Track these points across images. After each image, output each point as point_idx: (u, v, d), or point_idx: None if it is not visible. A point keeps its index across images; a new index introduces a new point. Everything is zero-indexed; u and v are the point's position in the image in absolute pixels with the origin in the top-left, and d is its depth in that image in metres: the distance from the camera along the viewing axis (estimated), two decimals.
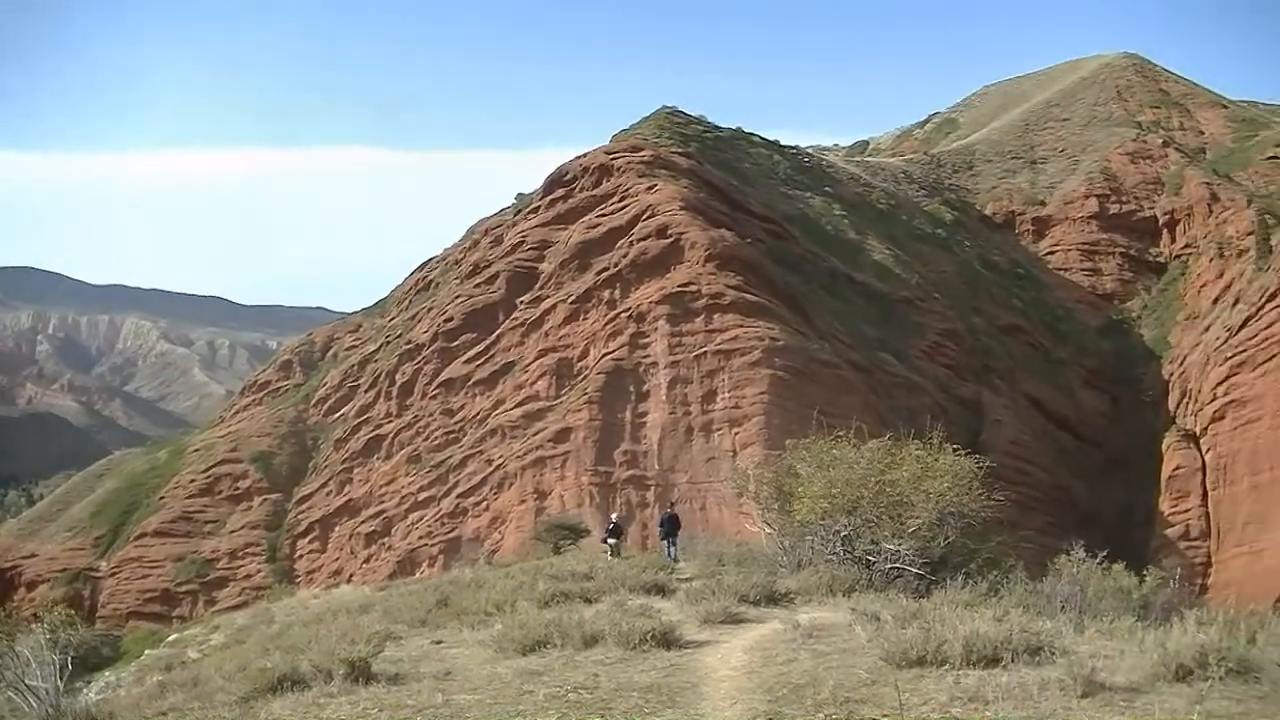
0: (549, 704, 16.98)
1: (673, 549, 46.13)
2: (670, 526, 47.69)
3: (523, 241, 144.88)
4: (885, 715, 14.73)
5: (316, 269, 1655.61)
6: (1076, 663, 15.79)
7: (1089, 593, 25.24)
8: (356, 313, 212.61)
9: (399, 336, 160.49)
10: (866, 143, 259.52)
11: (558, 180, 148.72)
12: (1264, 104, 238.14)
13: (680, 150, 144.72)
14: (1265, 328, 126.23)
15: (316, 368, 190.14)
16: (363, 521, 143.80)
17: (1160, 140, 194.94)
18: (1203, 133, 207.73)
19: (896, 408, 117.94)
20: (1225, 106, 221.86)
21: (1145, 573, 28.00)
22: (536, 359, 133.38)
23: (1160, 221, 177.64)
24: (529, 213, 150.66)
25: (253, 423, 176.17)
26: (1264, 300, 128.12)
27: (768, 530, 36.15)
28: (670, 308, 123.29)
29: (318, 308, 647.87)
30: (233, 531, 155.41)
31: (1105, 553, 27.73)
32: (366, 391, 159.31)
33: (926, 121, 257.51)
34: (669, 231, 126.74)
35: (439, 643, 24.11)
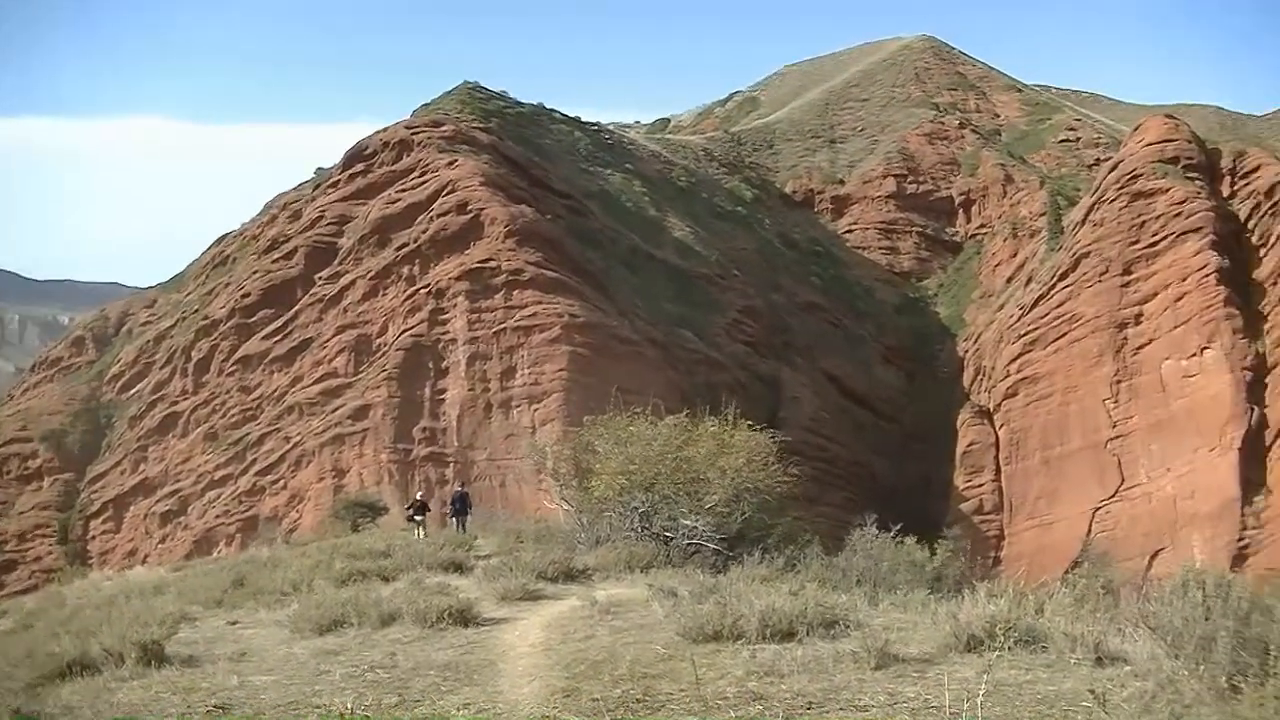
0: (345, 684, 16.61)
1: (463, 528, 45.81)
2: (461, 505, 47.82)
3: (321, 216, 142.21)
4: (682, 690, 14.65)
5: (112, 243, 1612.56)
6: (870, 635, 15.83)
7: (884, 566, 25.46)
8: (152, 288, 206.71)
9: (195, 312, 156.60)
10: (668, 120, 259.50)
11: (357, 155, 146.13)
12: (1057, 88, 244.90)
13: (481, 126, 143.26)
14: (1056, 306, 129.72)
15: (111, 344, 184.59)
16: (158, 501, 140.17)
17: (957, 122, 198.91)
18: (998, 115, 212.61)
19: (697, 384, 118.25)
20: (1020, 90, 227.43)
21: (936, 546, 28.44)
22: (335, 335, 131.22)
23: (956, 202, 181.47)
24: (328, 187, 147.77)
25: (44, 400, 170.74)
26: (1055, 280, 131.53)
27: (566, 507, 36.30)
28: (470, 284, 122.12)
29: (112, 283, 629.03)
30: (21, 513, 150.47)
31: (899, 527, 28.07)
32: (162, 368, 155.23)
33: (728, 100, 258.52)
34: (469, 207, 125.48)
35: (234, 623, 23.61)
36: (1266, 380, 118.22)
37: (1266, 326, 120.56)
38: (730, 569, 25.28)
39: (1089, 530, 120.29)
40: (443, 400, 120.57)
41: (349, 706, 14.74)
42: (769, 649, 16.36)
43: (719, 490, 29.77)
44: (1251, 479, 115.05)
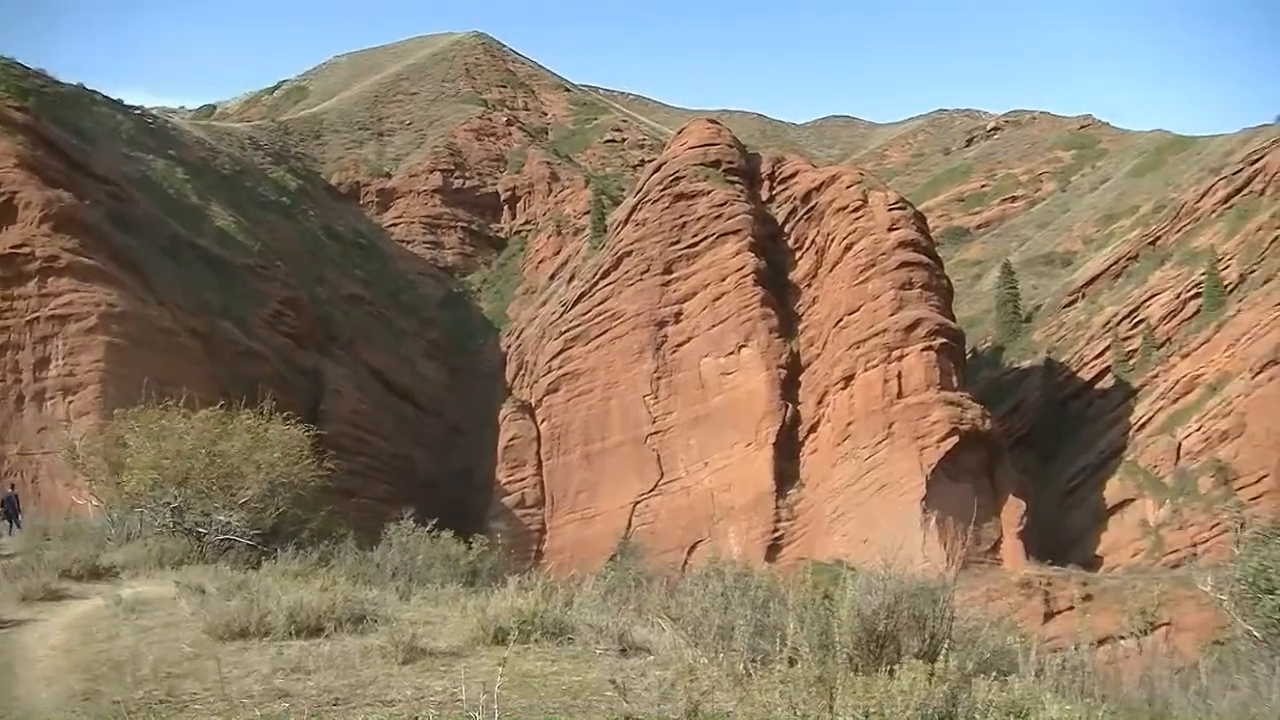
0: None
1: (15, 529, 44.25)
2: (10, 507, 46.70)
3: None
4: (207, 689, 14.19)
5: None
6: (399, 630, 15.88)
7: (419, 560, 25.38)
8: None
9: None
10: (214, 107, 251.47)
11: None
12: (604, 89, 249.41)
13: (17, 105, 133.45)
14: (598, 304, 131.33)
15: None
16: None
17: (505, 119, 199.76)
18: (546, 114, 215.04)
19: (238, 377, 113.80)
20: (568, 90, 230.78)
21: (473, 540, 28.55)
22: None
23: (502, 198, 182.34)
24: None
25: None
26: (598, 277, 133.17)
27: (95, 503, 35.25)
28: (2, 270, 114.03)
29: None
30: None
31: (436, 521, 27.95)
32: None
33: (276, 88, 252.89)
34: (2, 190, 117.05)
35: None
36: (800, 378, 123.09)
37: (801, 326, 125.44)
38: (264, 565, 24.60)
39: (629, 523, 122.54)
40: None
41: None
42: (296, 645, 16.19)
43: (254, 485, 29.10)
44: (786, 473, 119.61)
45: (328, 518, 32.54)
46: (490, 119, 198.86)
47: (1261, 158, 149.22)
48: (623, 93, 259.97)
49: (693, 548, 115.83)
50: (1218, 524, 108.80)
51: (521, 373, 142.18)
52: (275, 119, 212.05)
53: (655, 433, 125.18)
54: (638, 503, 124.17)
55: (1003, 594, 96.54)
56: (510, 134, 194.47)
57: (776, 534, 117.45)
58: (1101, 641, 62.16)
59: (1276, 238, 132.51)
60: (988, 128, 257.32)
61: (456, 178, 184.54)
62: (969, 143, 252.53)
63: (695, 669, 13.30)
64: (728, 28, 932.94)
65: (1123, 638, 65.64)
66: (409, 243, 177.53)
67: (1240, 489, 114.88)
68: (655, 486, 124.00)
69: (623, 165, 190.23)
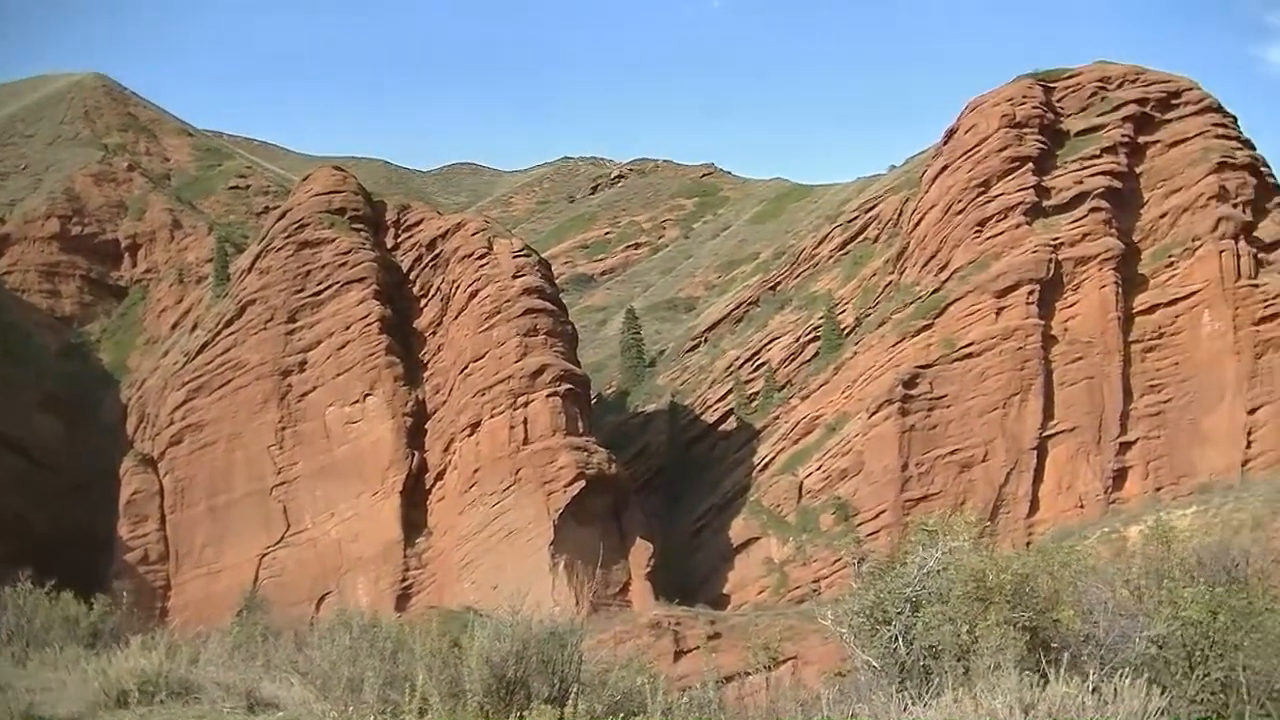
0: None
1: None
2: None
3: None
4: None
5: None
6: (15, 697, 15.20)
7: (37, 623, 24.51)
8: None
9: None
10: None
11: None
12: (229, 135, 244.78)
13: None
14: (221, 353, 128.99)
15: None
16: None
17: (126, 164, 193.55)
18: (168, 159, 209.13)
19: None
20: (191, 135, 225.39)
21: (94, 599, 27.58)
22: None
23: (123, 245, 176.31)
24: None
25: None
26: (221, 327, 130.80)
27: None
28: None
29: None
30: None
31: (54, 581, 27.10)
32: None
33: None
34: None
35: None
36: (426, 426, 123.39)
37: (427, 374, 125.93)
38: None
39: (256, 577, 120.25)
40: None
41: None
42: None
43: None
44: (414, 521, 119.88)
45: None
46: (111, 164, 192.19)
47: (875, 206, 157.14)
48: (248, 138, 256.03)
49: (322, 600, 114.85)
50: (839, 559, 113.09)
51: (143, 425, 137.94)
52: None
53: (281, 484, 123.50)
54: (265, 555, 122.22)
55: (633, 635, 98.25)
56: (132, 179, 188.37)
57: (406, 583, 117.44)
58: (730, 678, 64.57)
59: (890, 283, 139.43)
60: (612, 175, 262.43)
61: (75, 224, 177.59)
62: (594, 190, 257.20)
63: None
64: (354, 75, 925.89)
65: (749, 673, 68.28)
66: (24, 291, 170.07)
67: (860, 524, 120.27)
68: (282, 538, 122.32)
69: (247, 212, 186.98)
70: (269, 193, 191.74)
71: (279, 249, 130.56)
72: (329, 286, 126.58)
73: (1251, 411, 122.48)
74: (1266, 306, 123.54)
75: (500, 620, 14.85)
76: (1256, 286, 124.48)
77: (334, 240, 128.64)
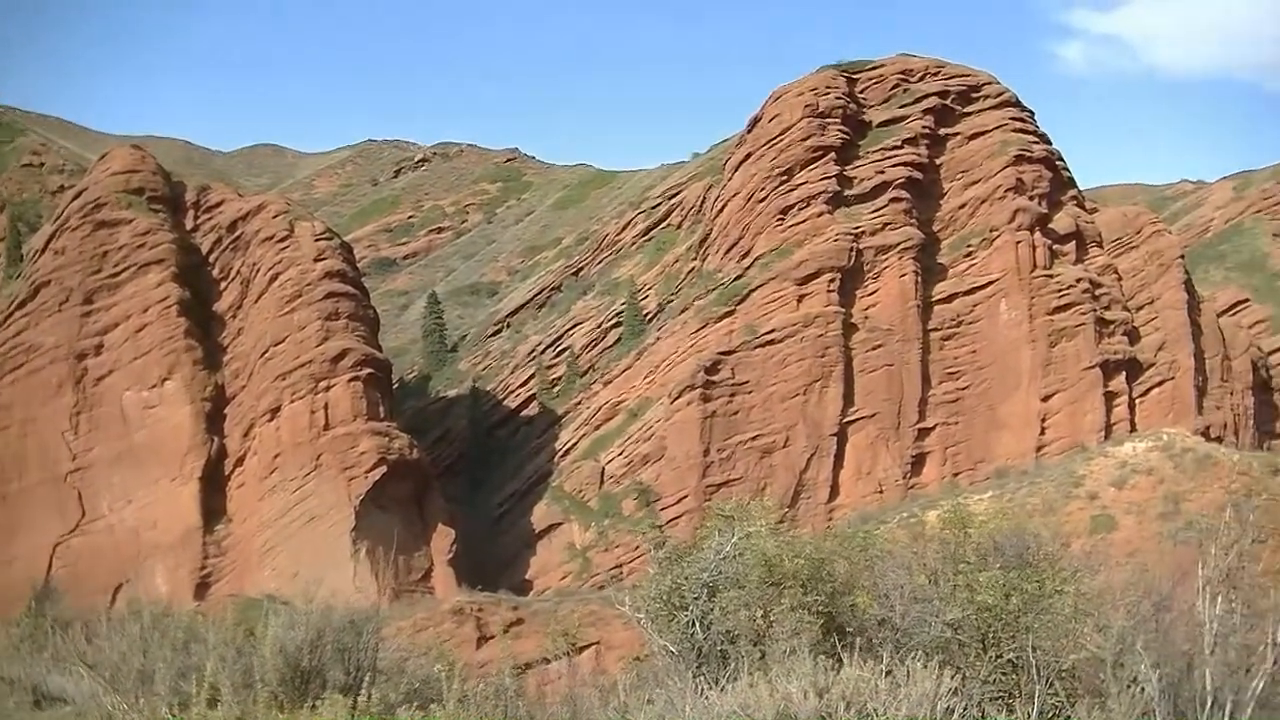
0: None
1: None
2: None
3: None
4: None
5: None
6: None
7: None
8: None
9: None
10: None
11: None
12: (20, 110, 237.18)
13: None
14: (14, 336, 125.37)
15: None
16: None
17: None
18: None
19: None
20: None
21: None
22: None
23: None
24: None
25: None
26: (14, 308, 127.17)
27: None
28: None
29: None
30: None
31: None
32: None
33: None
34: None
35: None
36: (226, 411, 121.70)
37: (226, 358, 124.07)
38: None
39: (50, 566, 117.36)
40: None
41: None
42: None
43: None
44: (213, 508, 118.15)
45: None
46: None
47: (678, 193, 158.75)
48: (42, 115, 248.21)
49: (118, 589, 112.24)
50: (640, 545, 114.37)
51: None
52: None
53: (76, 470, 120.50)
54: (59, 544, 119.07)
55: (434, 622, 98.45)
56: None
57: (205, 571, 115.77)
58: (530, 665, 65.33)
59: (692, 269, 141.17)
60: (415, 159, 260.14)
61: None
62: (397, 174, 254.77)
63: (114, 716, 12.95)
64: (152, 51, 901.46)
65: (549, 660, 69.07)
66: None
67: (662, 510, 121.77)
68: (77, 526, 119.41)
69: (41, 191, 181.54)
70: (64, 171, 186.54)
71: (75, 229, 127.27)
72: (127, 268, 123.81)
73: (1045, 398, 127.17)
74: (1060, 296, 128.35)
75: (295, 608, 14.77)
76: (1051, 277, 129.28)
77: (132, 221, 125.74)
